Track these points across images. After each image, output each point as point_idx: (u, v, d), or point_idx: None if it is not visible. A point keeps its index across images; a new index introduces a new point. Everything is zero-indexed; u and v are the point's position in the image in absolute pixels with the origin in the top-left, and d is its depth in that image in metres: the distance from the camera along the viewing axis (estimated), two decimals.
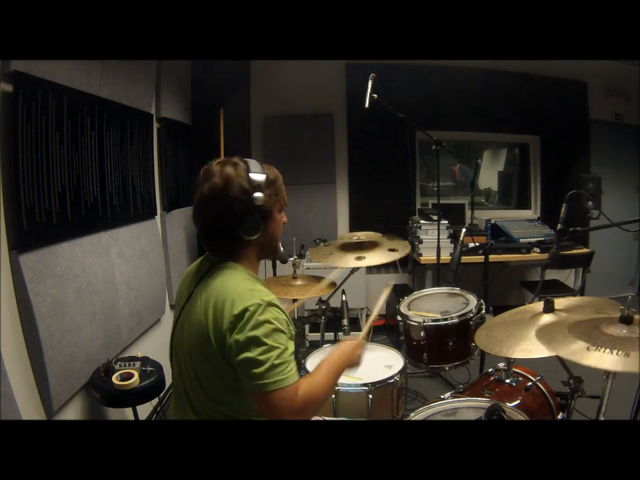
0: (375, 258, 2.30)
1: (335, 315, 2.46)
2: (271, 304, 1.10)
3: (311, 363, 2.05)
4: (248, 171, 1.16)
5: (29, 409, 1.67)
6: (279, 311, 1.12)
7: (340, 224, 4.41)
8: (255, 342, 1.04)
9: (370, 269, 4.31)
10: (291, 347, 1.12)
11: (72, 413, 1.95)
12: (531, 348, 1.40)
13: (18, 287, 1.64)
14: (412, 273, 4.15)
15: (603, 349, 1.15)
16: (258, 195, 1.14)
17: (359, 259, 2.29)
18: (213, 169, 1.17)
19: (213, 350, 1.09)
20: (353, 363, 1.29)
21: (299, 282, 2.31)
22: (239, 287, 1.12)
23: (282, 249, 1.37)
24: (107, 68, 2.22)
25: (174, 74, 3.30)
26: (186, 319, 1.20)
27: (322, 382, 1.16)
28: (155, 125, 3.00)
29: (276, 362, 1.05)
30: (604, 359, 1.12)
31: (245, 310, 1.06)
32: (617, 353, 1.12)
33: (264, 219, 1.18)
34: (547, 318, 1.53)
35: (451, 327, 2.14)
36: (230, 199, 1.12)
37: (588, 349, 1.17)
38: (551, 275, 4.02)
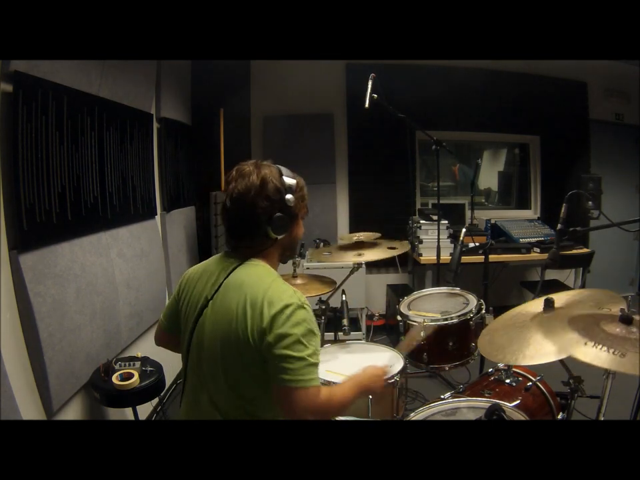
0: (374, 254, 2.33)
1: (334, 315, 2.46)
2: (306, 305, 1.16)
3: None
4: (281, 174, 1.24)
5: (29, 409, 1.67)
6: (311, 312, 1.18)
7: (340, 224, 4.41)
8: (294, 339, 1.09)
9: (370, 269, 4.32)
10: (320, 348, 1.18)
11: (72, 413, 1.95)
12: (534, 354, 1.39)
13: (18, 287, 1.64)
14: (412, 273, 4.15)
15: (600, 345, 1.15)
16: (290, 196, 1.22)
17: (358, 255, 2.33)
18: (248, 168, 1.23)
19: (248, 345, 1.12)
20: (375, 389, 1.37)
21: (299, 281, 2.31)
22: (274, 284, 1.17)
23: None
24: (106, 68, 2.22)
25: (174, 74, 3.30)
26: (212, 317, 1.20)
27: (344, 395, 1.23)
28: (155, 125, 3.00)
29: (311, 361, 1.11)
30: (600, 356, 1.13)
31: (286, 307, 1.11)
32: (613, 352, 1.13)
33: (291, 220, 1.25)
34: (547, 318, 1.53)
35: (451, 327, 2.14)
36: (267, 196, 1.19)
37: (585, 343, 1.17)
38: (550, 274, 4.02)
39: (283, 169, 1.27)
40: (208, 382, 1.22)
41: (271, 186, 1.20)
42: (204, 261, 1.36)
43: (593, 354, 1.14)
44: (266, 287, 1.16)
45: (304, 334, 1.11)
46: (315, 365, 1.12)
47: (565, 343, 1.21)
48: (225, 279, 1.21)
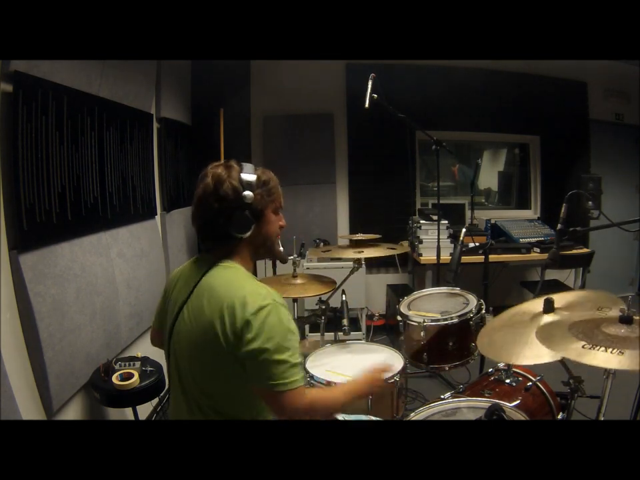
0: (373, 252, 2.35)
1: (335, 315, 2.46)
2: (282, 304, 1.15)
3: (311, 362, 2.05)
4: (240, 171, 1.22)
5: (29, 409, 1.67)
6: (286, 309, 1.16)
7: (340, 224, 4.41)
8: (274, 344, 1.08)
9: (370, 269, 4.32)
10: (298, 346, 1.16)
11: (72, 413, 1.95)
12: (535, 354, 1.40)
13: (18, 287, 1.64)
14: (412, 273, 4.15)
15: (599, 347, 1.16)
16: (247, 193, 1.20)
17: (358, 252, 2.35)
18: (207, 170, 1.24)
19: (221, 349, 1.11)
20: (374, 390, 1.39)
21: (298, 281, 2.31)
22: (247, 286, 1.16)
23: (282, 249, 1.38)
24: (107, 68, 2.22)
25: (174, 74, 3.30)
26: (186, 319, 1.20)
27: (334, 396, 1.25)
28: (155, 125, 3.00)
29: (292, 362, 1.10)
30: (597, 357, 1.13)
31: (260, 308, 1.10)
32: (611, 351, 1.13)
33: (255, 217, 1.23)
34: (547, 318, 1.53)
35: (451, 327, 2.14)
36: (221, 196, 1.19)
37: (583, 347, 1.18)
38: (551, 274, 4.02)
39: (246, 166, 1.25)
40: (184, 383, 1.23)
41: (226, 185, 1.19)
42: (184, 263, 1.37)
43: (591, 355, 1.14)
44: (238, 289, 1.14)
45: (283, 336, 1.10)
46: (297, 364, 1.11)
47: (564, 348, 1.21)
48: (197, 283, 1.21)
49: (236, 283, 1.16)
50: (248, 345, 1.08)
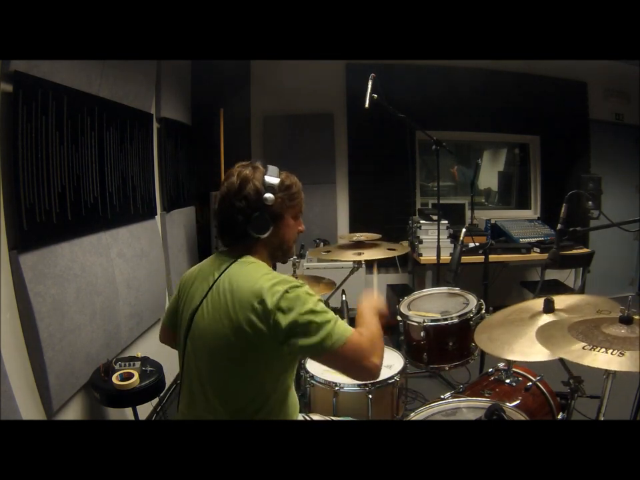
0: (373, 253, 2.34)
1: None
2: (305, 285, 1.18)
3: (311, 363, 2.05)
4: (264, 174, 1.25)
5: (29, 409, 1.67)
6: (310, 290, 1.20)
7: (340, 224, 4.41)
8: (310, 309, 1.12)
9: (370, 269, 4.31)
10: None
11: (72, 413, 1.95)
12: (535, 351, 1.40)
13: (18, 287, 1.64)
14: (412, 273, 4.15)
15: (599, 348, 1.16)
16: (268, 195, 1.22)
17: (357, 254, 2.35)
18: (234, 169, 1.27)
19: (254, 336, 1.12)
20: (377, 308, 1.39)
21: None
22: (269, 274, 1.19)
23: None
24: (107, 68, 2.22)
25: (174, 74, 3.30)
26: (206, 315, 1.21)
27: (372, 323, 1.27)
28: (155, 125, 3.00)
29: (333, 319, 1.14)
30: (597, 358, 1.13)
31: (286, 290, 1.13)
32: (611, 353, 1.13)
33: (274, 220, 1.26)
34: (547, 318, 1.53)
35: (451, 327, 2.14)
36: (243, 196, 1.22)
37: (584, 347, 1.17)
38: (551, 274, 4.02)
39: (271, 169, 1.27)
40: (202, 378, 1.22)
41: (250, 186, 1.22)
42: (201, 262, 1.38)
43: (591, 356, 1.14)
44: (263, 275, 1.17)
45: (315, 302, 1.14)
46: (337, 319, 1.15)
47: (564, 349, 1.21)
48: (218, 278, 1.22)
49: (257, 274, 1.18)
50: (287, 321, 1.10)
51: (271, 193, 1.23)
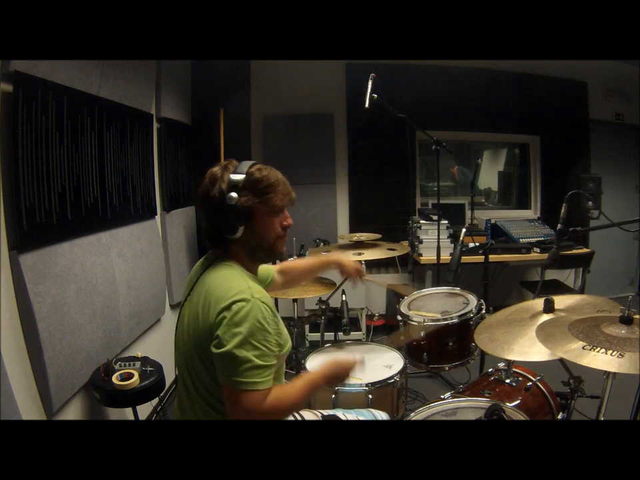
0: (373, 253, 2.34)
1: (335, 315, 2.46)
2: (261, 301, 1.12)
3: (311, 363, 2.05)
4: (233, 172, 1.21)
5: (29, 409, 1.67)
6: (269, 310, 1.14)
7: (340, 224, 4.40)
8: (240, 339, 1.07)
9: (370, 269, 4.31)
10: (276, 348, 1.13)
11: (72, 413, 1.95)
12: (535, 351, 1.40)
13: (18, 287, 1.64)
14: (412, 273, 4.14)
15: (599, 348, 1.15)
16: (231, 194, 1.18)
17: (357, 254, 2.35)
18: (209, 171, 1.25)
19: (205, 342, 1.12)
20: (337, 382, 1.34)
21: None
22: (230, 281, 1.16)
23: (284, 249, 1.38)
24: (106, 68, 2.22)
25: (174, 74, 3.30)
26: (184, 315, 1.24)
27: (292, 395, 1.18)
28: (155, 125, 2.99)
29: (258, 363, 1.07)
30: (596, 359, 1.13)
31: (233, 303, 1.09)
32: (611, 354, 1.12)
33: (244, 218, 1.20)
34: (547, 318, 1.53)
35: (451, 327, 2.14)
36: (209, 198, 1.19)
37: (584, 347, 1.17)
38: (551, 274, 4.02)
39: (241, 165, 1.23)
40: (186, 384, 1.23)
41: (216, 187, 1.19)
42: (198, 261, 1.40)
43: (590, 357, 1.14)
44: (222, 283, 1.16)
45: (251, 332, 1.07)
46: (263, 367, 1.08)
47: (563, 349, 1.21)
48: (197, 279, 1.24)
49: (221, 279, 1.17)
50: (216, 337, 1.08)
51: (235, 191, 1.17)
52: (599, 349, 1.15)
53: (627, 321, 1.25)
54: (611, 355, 1.12)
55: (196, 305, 1.18)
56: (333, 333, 2.63)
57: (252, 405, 1.07)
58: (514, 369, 1.85)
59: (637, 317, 1.25)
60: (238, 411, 1.09)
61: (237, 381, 1.07)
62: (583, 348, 1.17)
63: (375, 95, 2.64)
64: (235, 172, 1.20)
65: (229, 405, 1.11)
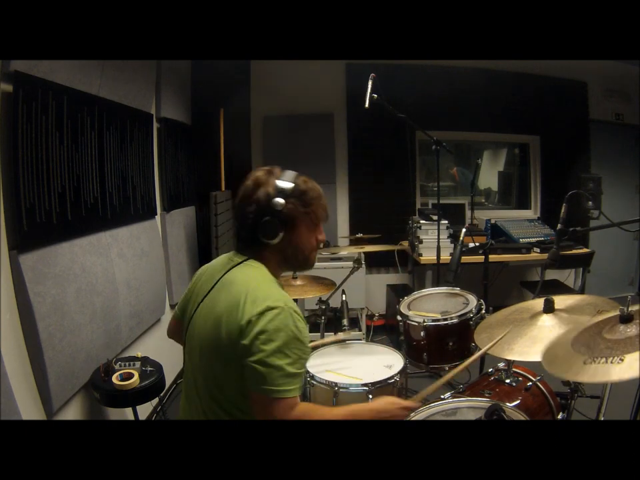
0: (374, 247, 2.36)
1: (335, 315, 2.46)
2: (294, 310, 1.13)
3: (311, 363, 2.04)
4: (279, 178, 1.22)
5: (29, 409, 1.67)
6: (301, 319, 1.14)
7: (340, 224, 4.41)
8: (274, 347, 1.06)
9: (370, 269, 4.31)
10: (306, 356, 1.14)
11: (72, 413, 1.95)
12: (535, 350, 1.39)
13: (18, 287, 1.64)
14: (412, 273, 4.14)
15: (599, 359, 1.12)
16: (278, 200, 1.18)
17: (359, 248, 2.40)
18: (251, 173, 1.25)
19: (226, 343, 1.11)
20: (385, 417, 1.28)
21: (298, 282, 2.31)
22: (262, 285, 1.16)
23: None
24: (107, 68, 2.22)
25: (174, 74, 3.30)
26: (203, 313, 1.21)
27: (324, 414, 1.20)
28: (155, 125, 3.00)
29: (289, 371, 1.07)
30: (597, 372, 1.10)
31: (269, 308, 1.09)
32: (611, 361, 1.10)
33: (285, 226, 1.20)
34: (547, 318, 1.53)
35: (451, 327, 2.14)
36: (253, 200, 1.19)
37: (584, 362, 1.14)
38: (551, 274, 4.02)
39: (287, 173, 1.24)
40: (197, 378, 1.22)
41: (262, 190, 1.19)
42: (217, 257, 1.38)
43: (591, 371, 1.11)
44: (253, 286, 1.14)
45: (285, 342, 1.07)
46: (295, 375, 1.09)
47: (567, 369, 1.18)
48: (221, 277, 1.23)
49: (253, 282, 1.17)
50: (247, 343, 1.07)
51: (282, 197, 1.18)
52: (599, 359, 1.12)
53: (626, 319, 1.24)
54: (610, 362, 1.10)
55: (220, 304, 1.16)
56: (332, 333, 2.63)
57: (280, 413, 1.07)
58: (514, 369, 1.85)
59: (636, 307, 1.24)
60: (266, 418, 1.09)
61: (267, 390, 1.06)
62: (584, 363, 1.15)
63: (375, 95, 2.64)
64: (281, 179, 1.21)
65: (259, 412, 1.11)
